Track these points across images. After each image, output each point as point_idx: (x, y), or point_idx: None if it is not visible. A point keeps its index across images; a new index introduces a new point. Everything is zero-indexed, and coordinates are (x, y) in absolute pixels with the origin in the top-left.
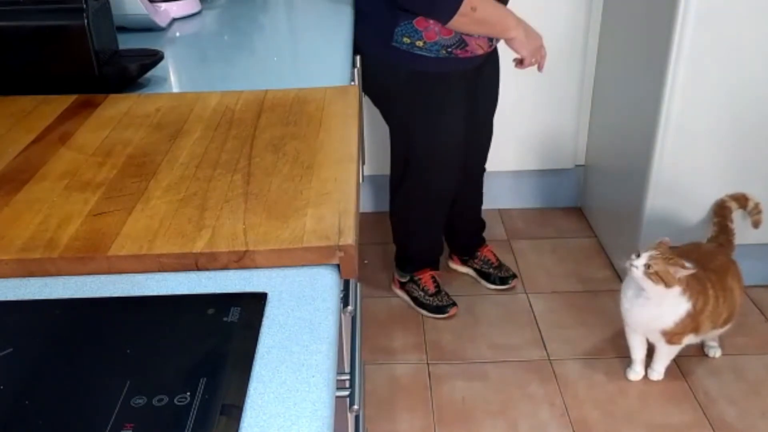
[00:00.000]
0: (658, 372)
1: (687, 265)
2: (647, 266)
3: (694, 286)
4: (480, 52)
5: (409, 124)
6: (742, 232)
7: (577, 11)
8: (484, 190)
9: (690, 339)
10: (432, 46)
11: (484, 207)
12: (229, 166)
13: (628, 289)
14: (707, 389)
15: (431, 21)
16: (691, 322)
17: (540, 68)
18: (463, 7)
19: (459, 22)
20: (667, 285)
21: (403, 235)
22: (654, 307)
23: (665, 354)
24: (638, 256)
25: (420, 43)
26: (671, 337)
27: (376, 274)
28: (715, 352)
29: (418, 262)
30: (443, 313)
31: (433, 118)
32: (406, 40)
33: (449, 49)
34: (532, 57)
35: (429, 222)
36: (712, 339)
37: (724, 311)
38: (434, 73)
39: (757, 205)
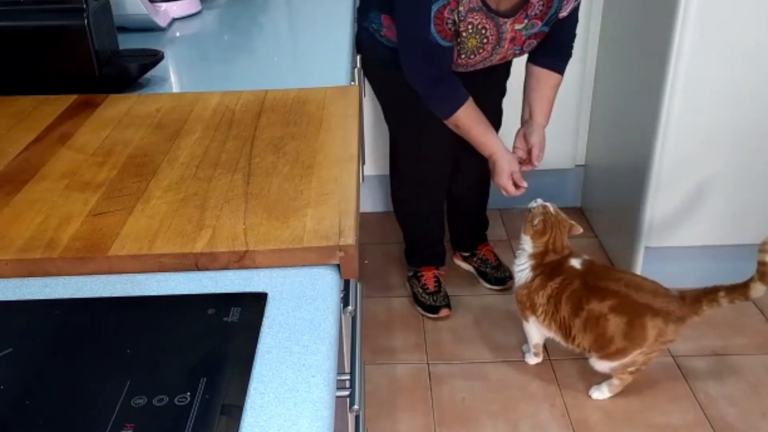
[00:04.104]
0: (528, 354)
1: (536, 223)
2: (536, 206)
3: (545, 266)
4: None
5: (383, 106)
6: (741, 231)
7: None
8: None
9: (534, 324)
10: (390, 41)
11: None
12: (230, 166)
13: None
14: (707, 389)
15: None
16: (527, 297)
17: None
18: (449, 122)
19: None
20: (524, 230)
21: (401, 223)
22: (516, 264)
23: (525, 327)
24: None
25: (383, 32)
26: (518, 303)
27: (376, 274)
28: (596, 393)
29: (421, 256)
30: (434, 312)
31: (403, 106)
32: (374, 25)
33: None
34: (502, 186)
35: (421, 210)
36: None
37: (579, 330)
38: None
39: None
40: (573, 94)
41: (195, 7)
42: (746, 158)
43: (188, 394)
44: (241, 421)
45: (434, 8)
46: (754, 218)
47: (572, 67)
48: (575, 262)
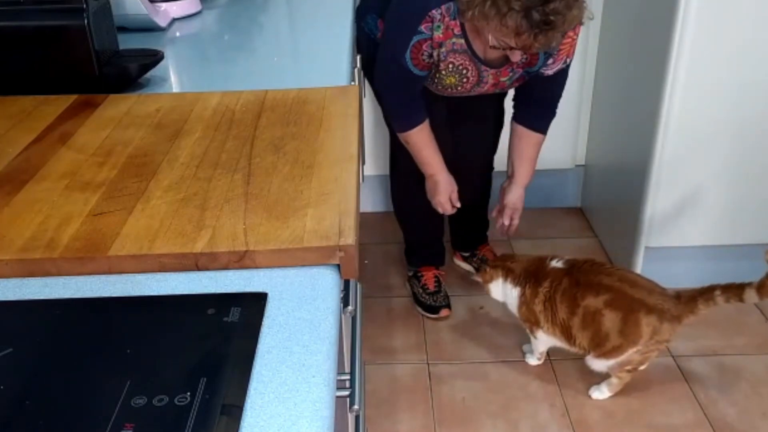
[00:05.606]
0: (529, 355)
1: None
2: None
3: (523, 274)
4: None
5: (383, 106)
6: (741, 231)
7: None
8: None
9: (543, 336)
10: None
11: None
12: (230, 166)
13: None
14: (707, 389)
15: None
16: (528, 312)
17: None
18: (400, 136)
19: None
20: (487, 290)
21: (401, 223)
22: (506, 302)
23: (534, 342)
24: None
25: (378, 35)
26: (524, 322)
27: (376, 274)
28: (596, 393)
29: (421, 256)
30: (434, 313)
31: None
32: (370, 27)
33: None
34: (440, 203)
35: (421, 210)
36: (596, 368)
37: (578, 328)
38: None
39: None
40: (573, 94)
41: (195, 7)
42: (746, 158)
43: (188, 394)
44: (241, 421)
45: (414, 38)
46: (754, 218)
47: (572, 66)
48: (556, 263)
